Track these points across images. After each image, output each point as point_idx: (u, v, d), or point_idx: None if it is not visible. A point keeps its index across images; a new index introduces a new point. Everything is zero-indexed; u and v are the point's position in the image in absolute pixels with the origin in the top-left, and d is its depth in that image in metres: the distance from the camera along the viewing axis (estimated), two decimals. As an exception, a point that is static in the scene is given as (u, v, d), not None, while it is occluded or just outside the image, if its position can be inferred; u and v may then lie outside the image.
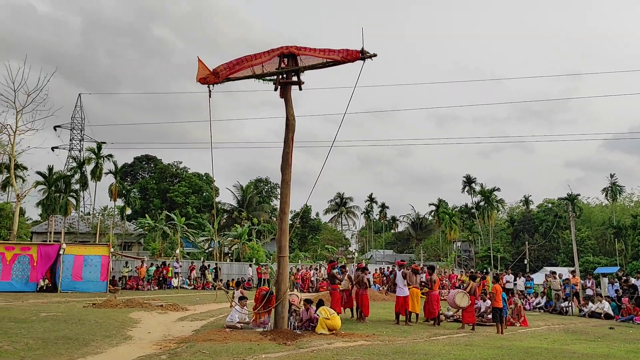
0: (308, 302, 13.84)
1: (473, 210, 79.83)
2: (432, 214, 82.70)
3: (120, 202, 58.66)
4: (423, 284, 16.84)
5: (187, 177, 73.78)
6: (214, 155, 18.46)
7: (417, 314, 16.80)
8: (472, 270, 42.57)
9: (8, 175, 45.24)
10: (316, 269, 37.64)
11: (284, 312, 12.71)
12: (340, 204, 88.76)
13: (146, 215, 53.65)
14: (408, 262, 32.84)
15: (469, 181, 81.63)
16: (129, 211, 61.13)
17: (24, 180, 49.20)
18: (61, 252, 26.15)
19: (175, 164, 79.23)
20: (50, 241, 31.39)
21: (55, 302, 20.48)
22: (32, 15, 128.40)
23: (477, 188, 79.42)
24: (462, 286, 24.65)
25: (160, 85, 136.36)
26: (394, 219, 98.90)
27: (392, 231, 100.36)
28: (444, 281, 33.70)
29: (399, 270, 16.54)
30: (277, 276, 13.20)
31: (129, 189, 62.52)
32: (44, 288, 25.50)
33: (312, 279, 35.81)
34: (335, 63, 13.35)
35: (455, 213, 76.70)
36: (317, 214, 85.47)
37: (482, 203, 76.87)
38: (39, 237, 47.61)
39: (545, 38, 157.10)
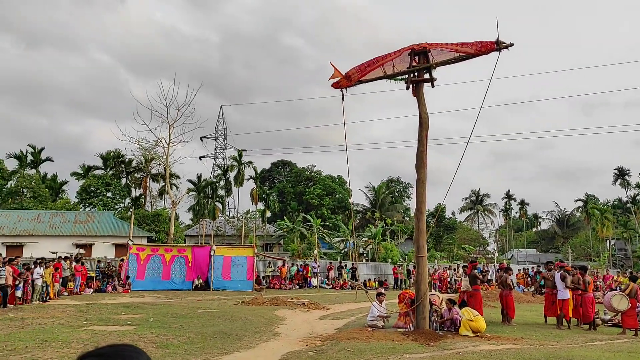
0: (451, 302, 13.53)
1: (628, 205, 72.35)
2: (580, 210, 76.39)
3: (260, 206, 61.97)
4: (575, 285, 15.63)
5: (321, 180, 75.85)
6: (346, 156, 18.84)
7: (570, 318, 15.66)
8: (630, 270, 38.59)
9: (164, 184, 50.07)
10: (454, 269, 36.64)
11: (425, 312, 12.56)
12: (476, 202, 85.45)
13: (284, 217, 56.13)
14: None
15: (621, 173, 74.19)
16: (268, 214, 64.33)
17: (177, 188, 54.18)
18: (212, 253, 28.28)
19: (309, 167, 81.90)
20: (201, 243, 34.15)
21: (209, 300, 22.21)
22: (177, 36, 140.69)
23: (633, 180, 71.90)
24: (619, 288, 22.45)
25: (293, 92, 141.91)
26: (535, 216, 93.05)
27: (534, 229, 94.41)
28: (598, 282, 30.99)
29: (558, 272, 15.44)
30: (416, 276, 13.09)
31: (268, 193, 65.79)
32: (198, 286, 27.74)
33: (450, 279, 34.93)
34: (469, 57, 12.94)
35: (607, 208, 70.10)
36: (453, 213, 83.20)
37: (639, 197, 69.42)
38: (192, 240, 51.93)
39: None
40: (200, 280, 28.16)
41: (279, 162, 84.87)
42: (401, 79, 13.82)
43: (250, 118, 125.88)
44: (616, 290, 19.49)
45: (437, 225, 67.16)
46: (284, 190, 76.65)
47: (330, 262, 37.66)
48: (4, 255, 20.91)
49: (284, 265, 33.39)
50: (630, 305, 14.11)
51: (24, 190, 50.23)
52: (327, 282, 34.38)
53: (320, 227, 49.49)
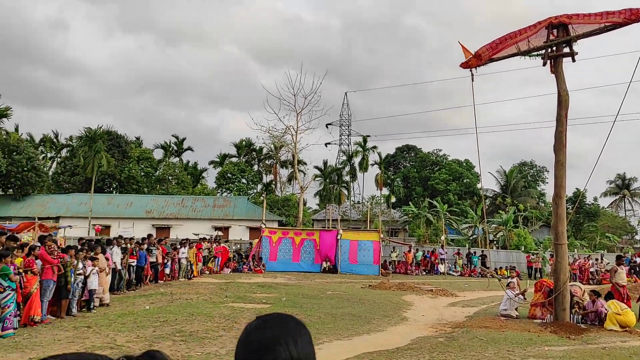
0: (595, 293, 12.55)
1: None
2: None
3: (385, 191, 61.97)
4: None
5: (447, 164, 73.81)
6: (474, 140, 17.96)
7: None
8: None
9: (293, 170, 51.98)
10: (597, 259, 33.87)
11: (565, 303, 11.78)
12: (622, 187, 77.85)
13: (410, 202, 55.55)
14: None
15: None
16: (393, 199, 64.09)
17: (304, 174, 55.99)
18: (338, 238, 28.89)
19: (435, 151, 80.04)
20: (328, 227, 34.99)
21: (337, 282, 22.75)
22: (300, 25, 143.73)
23: None
24: None
25: (417, 75, 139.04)
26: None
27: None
28: None
29: None
30: (555, 265, 12.31)
31: (393, 178, 65.52)
32: (326, 269, 28.53)
33: (592, 269, 32.33)
34: (615, 27, 11.79)
35: None
36: (595, 199, 76.69)
37: None
38: (319, 224, 53.36)
39: None
40: (328, 263, 28.91)
41: (404, 147, 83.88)
42: (537, 55, 12.96)
43: (374, 103, 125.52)
44: None
45: (576, 212, 62.41)
46: (408, 175, 75.73)
47: (458, 249, 36.69)
48: (154, 236, 23.11)
49: (409, 250, 33.15)
50: None
51: (169, 177, 55.01)
52: (454, 269, 33.57)
53: (447, 213, 48.29)
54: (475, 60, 13.14)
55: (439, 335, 10.53)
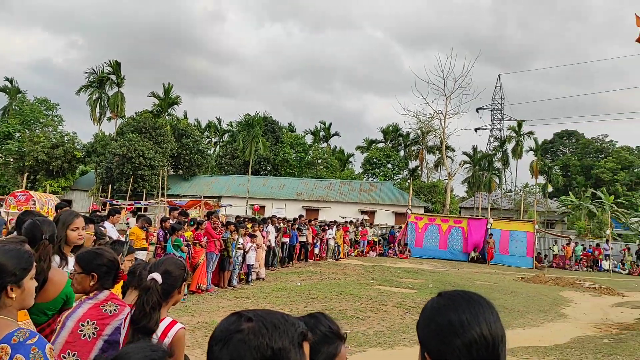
0: None
1: None
2: None
3: (541, 180, 58.02)
4: None
5: (615, 152, 66.84)
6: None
7: None
8: None
9: (440, 156, 50.84)
10: None
11: None
12: None
13: (569, 192, 51.36)
14: None
15: None
16: (550, 188, 59.78)
17: (452, 160, 54.43)
18: (489, 227, 27.68)
19: (600, 137, 72.85)
20: (477, 216, 33.71)
21: (486, 273, 21.87)
22: (447, 4, 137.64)
23: None
24: None
25: (579, 52, 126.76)
26: None
27: None
28: None
29: None
30: None
31: (550, 166, 61.04)
32: (475, 259, 27.54)
33: None
34: None
35: None
36: None
37: None
38: (467, 212, 51.59)
39: None
40: (476, 252, 27.89)
41: (563, 132, 77.53)
42: None
43: (530, 85, 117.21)
44: None
45: None
46: (568, 163, 69.94)
47: (627, 245, 33.09)
48: (304, 217, 24.14)
49: (568, 244, 30.70)
50: None
51: (319, 161, 56.96)
52: (621, 266, 30.41)
53: (613, 205, 43.75)
54: (657, 33, 11.59)
55: (604, 336, 9.64)
